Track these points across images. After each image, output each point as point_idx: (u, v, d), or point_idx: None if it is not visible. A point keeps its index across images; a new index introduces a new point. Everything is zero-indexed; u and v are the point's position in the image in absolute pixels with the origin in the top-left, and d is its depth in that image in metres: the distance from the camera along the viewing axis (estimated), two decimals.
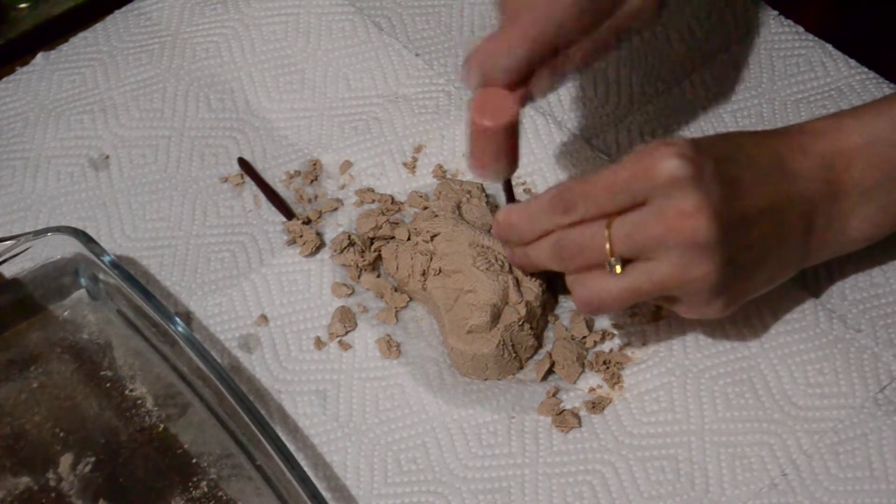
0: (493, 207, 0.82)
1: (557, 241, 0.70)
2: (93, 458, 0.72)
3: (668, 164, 0.66)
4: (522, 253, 0.73)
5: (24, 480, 0.72)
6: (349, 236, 0.81)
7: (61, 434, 0.73)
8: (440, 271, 0.77)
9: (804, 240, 0.71)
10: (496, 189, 0.84)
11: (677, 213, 0.66)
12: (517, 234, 0.72)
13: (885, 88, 0.87)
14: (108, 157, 0.88)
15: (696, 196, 0.66)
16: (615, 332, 0.77)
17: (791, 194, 0.70)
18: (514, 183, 0.84)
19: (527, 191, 0.84)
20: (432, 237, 0.79)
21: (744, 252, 0.68)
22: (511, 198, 0.77)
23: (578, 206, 0.68)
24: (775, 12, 0.92)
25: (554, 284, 0.78)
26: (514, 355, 0.75)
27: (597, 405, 0.74)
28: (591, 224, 0.68)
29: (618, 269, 0.68)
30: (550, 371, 0.76)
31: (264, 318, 0.80)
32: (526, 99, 0.71)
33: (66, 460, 0.72)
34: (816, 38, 0.90)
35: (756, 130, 0.74)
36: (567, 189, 0.69)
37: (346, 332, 0.78)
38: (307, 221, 0.83)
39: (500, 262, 0.76)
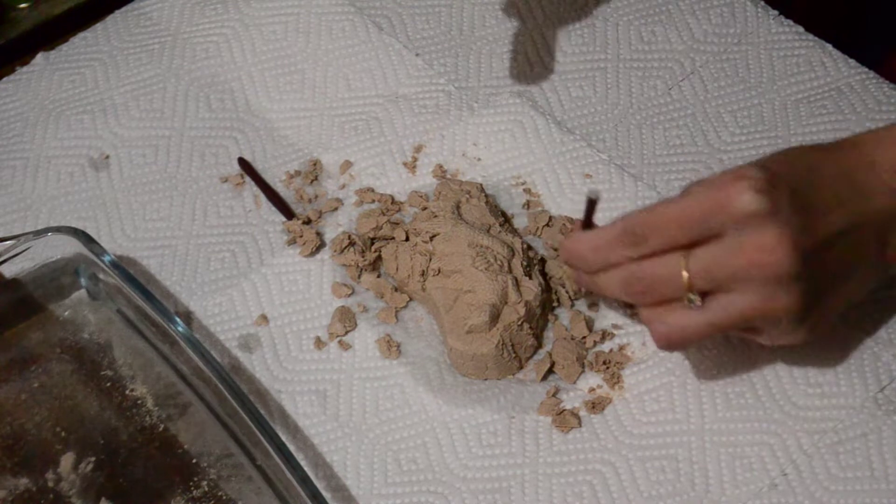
0: (493, 207, 0.82)
1: (630, 275, 0.68)
2: (93, 458, 0.72)
3: (743, 198, 0.65)
4: (590, 280, 0.72)
5: (24, 481, 0.72)
6: (349, 236, 0.81)
7: (62, 434, 0.73)
8: (439, 271, 0.77)
9: (881, 254, 0.70)
10: (496, 189, 0.84)
11: (757, 248, 0.65)
12: (583, 263, 0.71)
13: (886, 88, 0.87)
14: (108, 157, 0.88)
15: (775, 230, 0.65)
16: (615, 332, 0.77)
17: (865, 212, 0.68)
18: (513, 183, 0.84)
19: (526, 191, 0.84)
20: (432, 237, 0.79)
21: (823, 277, 0.67)
22: (588, 225, 0.73)
23: (649, 239, 0.67)
24: (775, 12, 0.92)
25: (554, 285, 0.78)
26: (513, 355, 0.75)
27: (597, 405, 0.74)
28: (665, 258, 0.67)
29: (698, 304, 0.67)
30: (550, 371, 0.76)
31: (264, 318, 0.80)
32: None
33: (66, 460, 0.72)
34: (816, 38, 0.90)
35: (821, 145, 0.72)
36: (637, 223, 0.68)
37: (346, 332, 0.78)
38: (307, 221, 0.83)
39: (499, 262, 0.76)
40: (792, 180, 0.67)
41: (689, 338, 0.69)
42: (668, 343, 0.69)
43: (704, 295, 0.67)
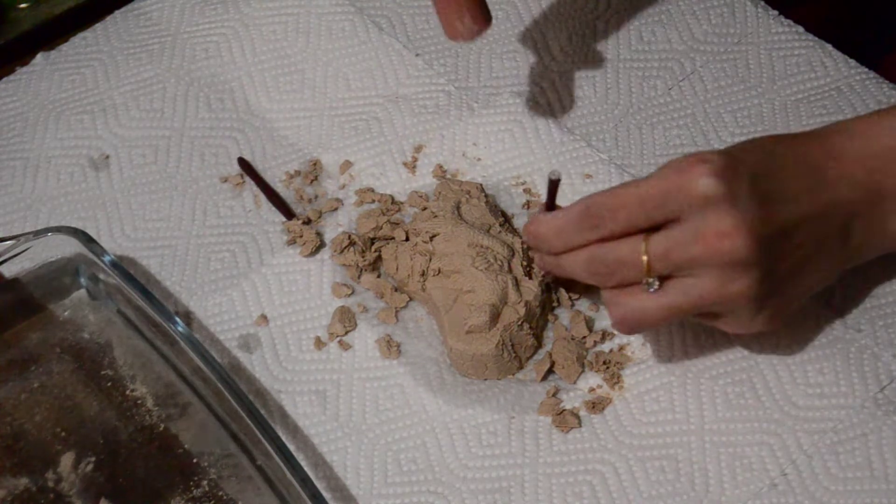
0: (493, 207, 0.82)
1: (592, 257, 0.69)
2: (93, 458, 0.72)
3: (702, 182, 0.65)
4: (554, 262, 0.72)
5: (24, 481, 0.72)
6: (349, 236, 0.81)
7: (62, 434, 0.73)
8: (439, 271, 0.77)
9: (843, 244, 0.70)
10: (496, 189, 0.84)
11: (714, 232, 0.65)
12: (546, 245, 0.71)
13: (885, 88, 0.87)
14: (108, 157, 0.88)
15: (733, 216, 0.65)
16: (615, 332, 0.77)
17: (828, 203, 0.68)
18: (513, 183, 0.84)
19: (526, 191, 0.84)
20: (432, 238, 0.79)
21: (783, 264, 0.67)
22: (552, 203, 0.74)
23: (608, 221, 0.67)
24: (775, 12, 0.92)
25: (554, 285, 0.78)
26: (513, 355, 0.75)
27: (597, 405, 0.74)
28: (626, 241, 0.67)
29: (657, 285, 0.67)
30: (550, 371, 0.76)
31: (264, 318, 0.80)
32: None
33: (66, 460, 0.72)
34: (816, 38, 0.90)
35: (787, 135, 0.73)
36: (597, 203, 0.68)
37: (346, 332, 0.78)
38: (307, 221, 0.83)
39: (499, 263, 0.76)
40: (753, 167, 0.67)
41: (647, 321, 0.69)
42: (626, 325, 0.70)
43: (665, 279, 0.67)
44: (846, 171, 0.69)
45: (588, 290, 0.78)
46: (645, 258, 0.66)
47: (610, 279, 0.69)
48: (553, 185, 0.72)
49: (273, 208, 0.84)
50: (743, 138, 0.85)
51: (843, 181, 0.69)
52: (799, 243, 0.68)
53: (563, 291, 0.79)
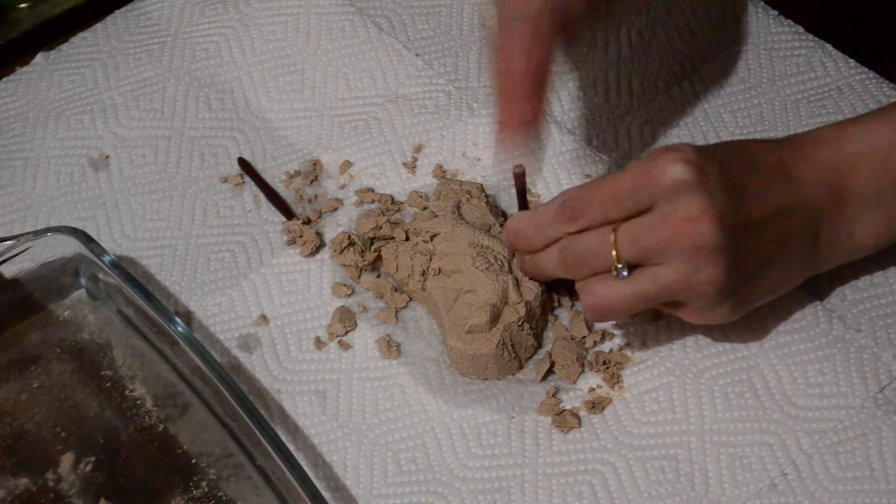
0: (493, 207, 0.82)
1: (564, 248, 0.70)
2: (93, 458, 0.72)
3: (672, 169, 0.66)
4: (532, 261, 0.73)
5: (24, 481, 0.72)
6: (349, 236, 0.81)
7: (61, 434, 0.73)
8: (440, 271, 0.77)
9: (811, 246, 0.71)
10: (496, 189, 0.84)
11: (682, 217, 0.66)
12: (525, 242, 0.73)
13: (885, 88, 0.87)
14: (108, 157, 0.88)
15: (701, 200, 0.66)
16: (615, 332, 0.77)
17: (795, 200, 0.70)
18: (514, 183, 0.84)
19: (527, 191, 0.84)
20: (432, 237, 0.79)
21: (749, 256, 0.68)
22: (524, 204, 0.76)
23: (584, 213, 0.69)
24: (775, 12, 0.92)
25: (553, 285, 0.78)
26: (513, 355, 0.76)
27: (597, 405, 0.74)
28: (597, 231, 0.68)
29: (624, 274, 0.68)
30: (550, 371, 0.76)
31: (264, 318, 0.80)
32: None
33: (66, 460, 0.72)
34: (816, 38, 0.90)
35: (760, 139, 0.74)
36: (572, 197, 0.70)
37: (346, 332, 0.79)
38: (307, 221, 0.83)
39: (499, 262, 0.76)
40: (722, 158, 0.68)
41: (616, 308, 0.70)
42: (596, 313, 0.70)
43: (634, 268, 0.68)
44: (815, 173, 0.70)
45: None
46: (613, 244, 0.67)
47: (581, 270, 0.70)
48: (519, 180, 0.73)
49: (273, 208, 0.84)
50: (743, 138, 0.85)
51: (811, 182, 0.70)
52: (766, 237, 0.69)
53: (564, 291, 0.79)
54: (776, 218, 0.69)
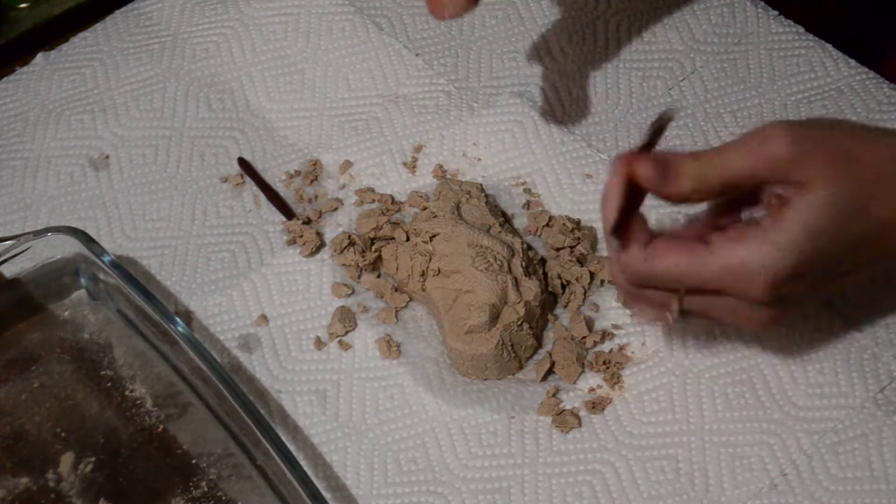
0: (493, 207, 0.82)
1: (634, 291, 0.69)
2: (93, 458, 0.72)
3: (757, 291, 0.65)
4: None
5: (24, 481, 0.72)
6: (349, 236, 0.81)
7: (61, 434, 0.73)
8: (439, 272, 0.77)
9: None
10: (496, 189, 0.84)
11: (747, 318, 0.67)
12: (627, 279, 0.71)
13: (885, 88, 0.87)
14: (108, 157, 0.88)
15: (773, 311, 0.66)
16: (615, 332, 0.77)
17: (871, 260, 0.67)
18: (514, 183, 0.84)
19: (527, 190, 0.84)
20: (432, 237, 0.79)
21: (803, 288, 0.67)
22: (650, 146, 0.67)
23: (668, 284, 0.67)
24: (775, 12, 0.92)
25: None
26: (513, 355, 0.75)
27: (597, 405, 0.74)
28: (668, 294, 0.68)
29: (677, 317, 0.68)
30: (550, 371, 0.76)
31: (264, 318, 0.80)
32: None
33: (66, 460, 0.72)
34: (816, 38, 0.90)
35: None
36: (677, 270, 0.67)
37: (346, 332, 0.79)
38: (307, 221, 0.83)
39: (498, 263, 0.76)
40: (814, 273, 0.65)
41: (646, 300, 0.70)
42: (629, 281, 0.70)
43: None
44: None
45: (587, 291, 0.79)
46: (676, 307, 0.67)
47: (642, 304, 0.71)
48: (661, 128, 0.67)
49: (273, 208, 0.84)
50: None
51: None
52: (830, 274, 0.67)
53: (564, 291, 0.79)
54: (848, 273, 0.67)
